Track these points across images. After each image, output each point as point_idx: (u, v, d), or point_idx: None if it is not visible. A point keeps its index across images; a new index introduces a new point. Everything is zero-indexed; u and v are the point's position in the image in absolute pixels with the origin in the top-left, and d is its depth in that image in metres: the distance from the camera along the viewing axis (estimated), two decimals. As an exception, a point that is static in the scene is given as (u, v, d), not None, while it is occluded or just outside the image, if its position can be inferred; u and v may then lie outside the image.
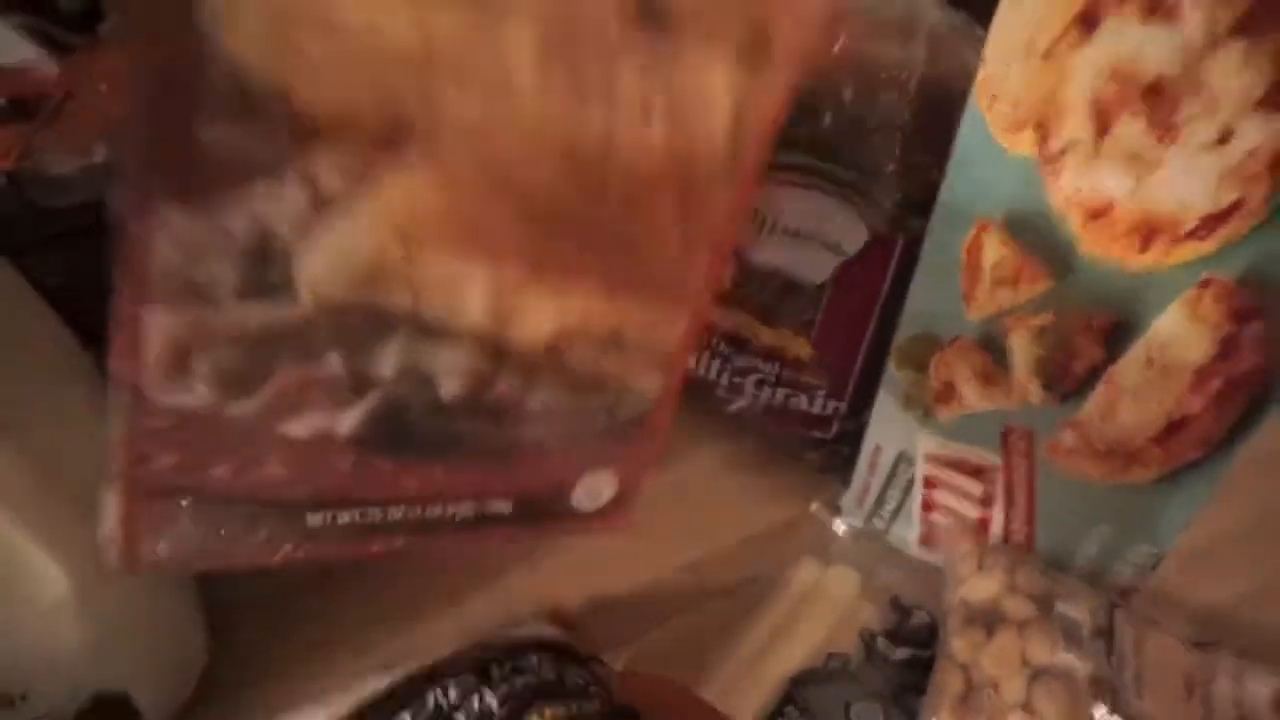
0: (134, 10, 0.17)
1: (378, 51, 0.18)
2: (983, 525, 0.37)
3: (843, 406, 0.42)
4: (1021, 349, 0.32)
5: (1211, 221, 0.26)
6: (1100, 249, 0.28)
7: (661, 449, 0.29)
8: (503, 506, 0.28)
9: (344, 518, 0.25)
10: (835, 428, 0.43)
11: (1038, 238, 0.29)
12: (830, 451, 0.43)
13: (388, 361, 0.22)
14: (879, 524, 0.41)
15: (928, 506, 0.39)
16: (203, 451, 0.22)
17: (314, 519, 0.25)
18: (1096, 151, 0.27)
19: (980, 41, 0.31)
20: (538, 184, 0.21)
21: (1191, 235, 0.27)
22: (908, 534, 0.40)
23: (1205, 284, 0.27)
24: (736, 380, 0.43)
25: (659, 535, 0.41)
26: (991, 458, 0.35)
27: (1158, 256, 0.27)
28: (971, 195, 0.30)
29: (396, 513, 0.26)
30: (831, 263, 0.38)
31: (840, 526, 0.41)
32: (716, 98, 0.22)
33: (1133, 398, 0.30)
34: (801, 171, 0.36)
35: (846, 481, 0.41)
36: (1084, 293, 0.29)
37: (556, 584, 0.38)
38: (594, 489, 0.29)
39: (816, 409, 0.42)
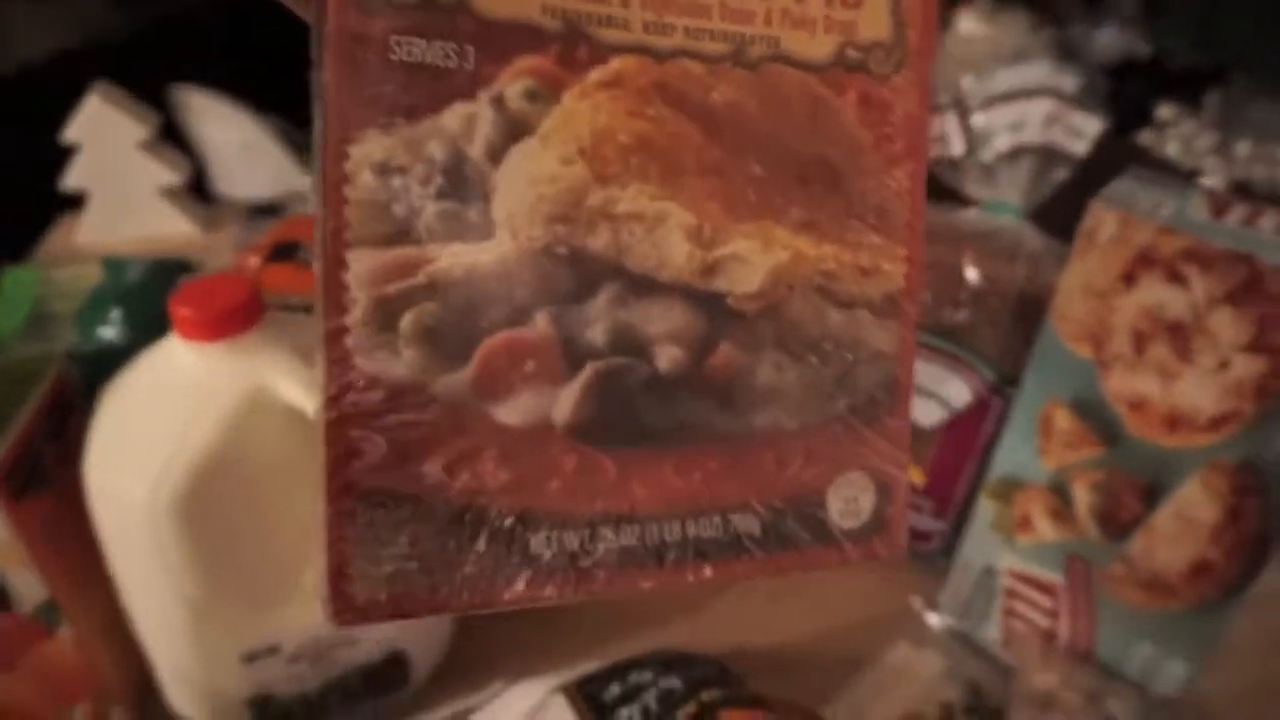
0: None
1: None
2: (1051, 634, 0.47)
3: (945, 526, 0.53)
4: (1082, 497, 0.42)
5: (1216, 421, 0.37)
6: (1140, 430, 0.39)
7: (909, 447, 0.25)
8: (751, 524, 0.24)
9: (570, 540, 0.22)
10: (937, 542, 0.53)
11: (1094, 417, 0.40)
12: (932, 560, 0.54)
13: (598, 324, 0.21)
14: (967, 624, 0.51)
15: (1008, 613, 0.48)
16: (413, 440, 0.20)
17: (537, 541, 0.22)
18: (1136, 363, 0.38)
19: (1066, 261, 0.43)
20: (717, 102, 0.21)
21: (1203, 429, 0.37)
22: (990, 634, 0.49)
23: (1214, 465, 0.37)
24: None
25: (793, 610, 0.53)
26: (1058, 579, 0.45)
27: (1181, 440, 0.38)
28: (1047, 381, 0.42)
29: (631, 533, 0.23)
30: (943, 413, 0.49)
31: (935, 621, 0.51)
32: None
33: (1166, 543, 0.40)
34: (927, 347, 0.48)
35: (943, 585, 0.52)
36: (1128, 460, 0.40)
37: (710, 633, 0.50)
38: (850, 498, 0.25)
39: (924, 526, 0.53)
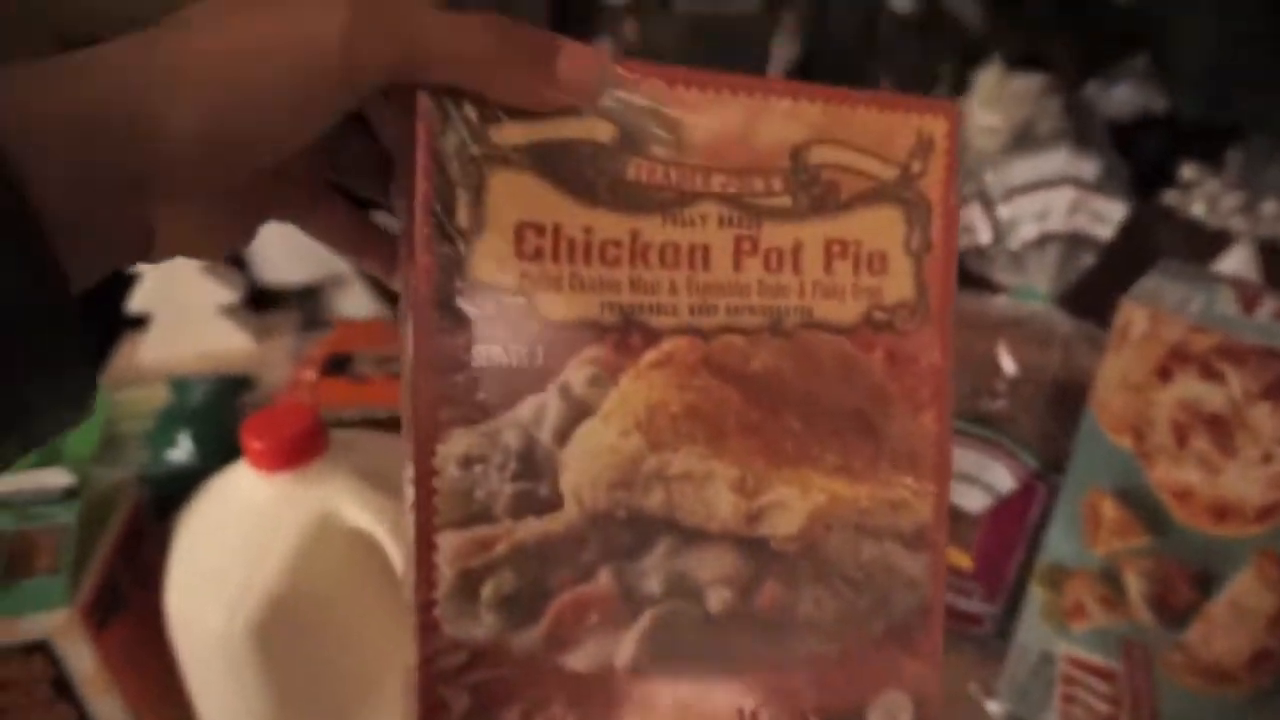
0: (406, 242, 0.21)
1: (596, 251, 0.22)
2: (1113, 721, 0.47)
3: (996, 609, 0.53)
4: (1133, 583, 0.43)
5: (1263, 512, 0.37)
6: (1188, 519, 0.40)
7: (939, 666, 0.27)
8: None
9: None
10: (989, 625, 0.53)
11: (1140, 505, 0.41)
12: (986, 643, 0.54)
13: (655, 575, 0.23)
14: (1026, 711, 0.50)
15: (1067, 699, 0.48)
16: (492, 693, 0.23)
17: None
18: (1179, 455, 0.39)
19: (1100, 345, 0.44)
20: (757, 369, 0.24)
21: (1252, 520, 0.37)
22: (1051, 721, 0.49)
23: (1265, 554, 0.38)
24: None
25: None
26: (1116, 665, 0.45)
27: (1231, 530, 0.38)
28: (1091, 470, 0.42)
29: None
30: (988, 499, 0.50)
31: (994, 709, 0.51)
32: (892, 256, 0.25)
33: (1224, 632, 0.40)
34: (968, 435, 0.49)
35: (999, 670, 0.51)
36: (1178, 548, 0.40)
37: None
38: (890, 717, 0.27)
39: (974, 609, 0.53)
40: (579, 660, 0.23)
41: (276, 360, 0.62)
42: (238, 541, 0.40)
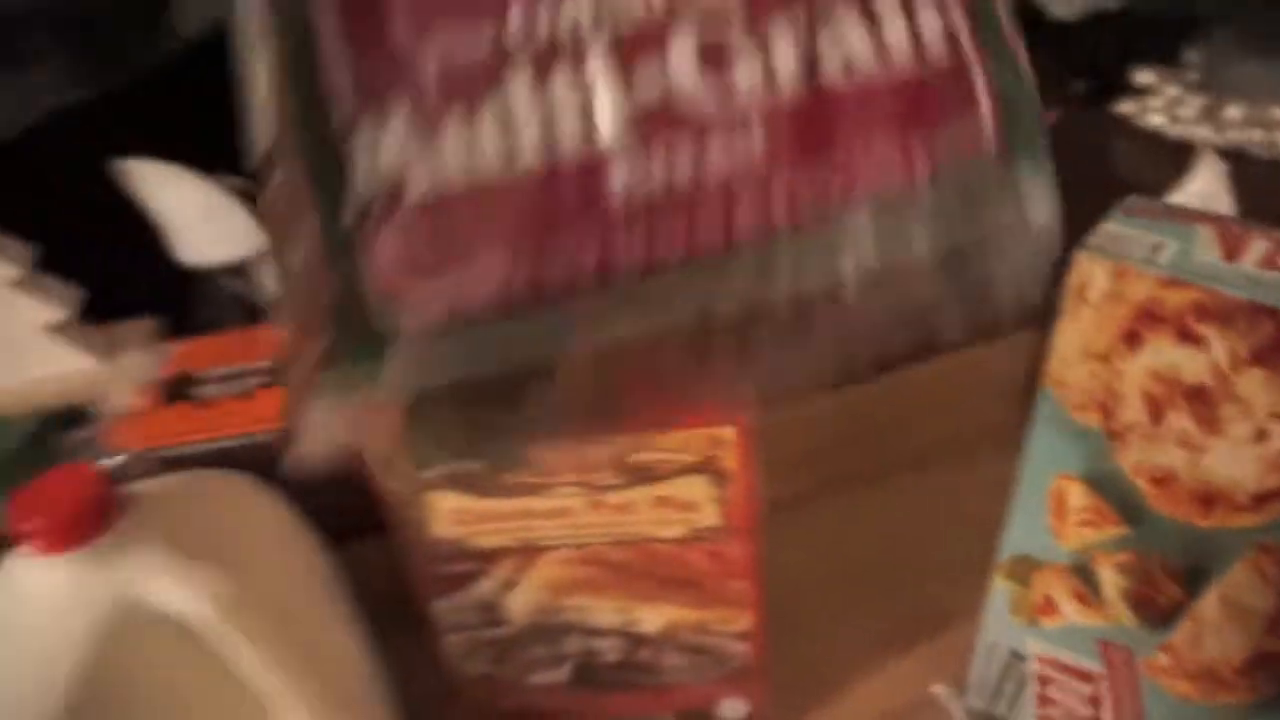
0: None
1: (505, 517, 0.37)
2: (1094, 724, 0.41)
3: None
4: (1109, 580, 0.36)
5: (1260, 499, 0.30)
6: (1167, 508, 0.33)
7: (764, 692, 0.44)
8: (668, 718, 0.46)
9: None
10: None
11: (1111, 492, 0.34)
12: (954, 639, 0.47)
13: (571, 646, 0.42)
14: (1001, 709, 0.45)
15: (1043, 701, 0.42)
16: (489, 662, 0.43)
17: None
18: (1154, 434, 0.32)
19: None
20: (618, 559, 0.39)
21: (1245, 508, 0.31)
22: (1026, 724, 0.44)
23: (1263, 548, 0.31)
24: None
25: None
26: (1095, 666, 0.39)
27: (1219, 520, 0.32)
28: (1053, 454, 0.36)
29: None
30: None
31: (962, 712, 0.45)
32: (701, 504, 0.37)
33: (1215, 633, 0.34)
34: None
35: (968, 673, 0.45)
36: (1158, 540, 0.34)
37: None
38: (733, 707, 0.45)
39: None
40: (545, 678, 0.43)
41: (125, 379, 0.53)
42: (21, 645, 0.32)
